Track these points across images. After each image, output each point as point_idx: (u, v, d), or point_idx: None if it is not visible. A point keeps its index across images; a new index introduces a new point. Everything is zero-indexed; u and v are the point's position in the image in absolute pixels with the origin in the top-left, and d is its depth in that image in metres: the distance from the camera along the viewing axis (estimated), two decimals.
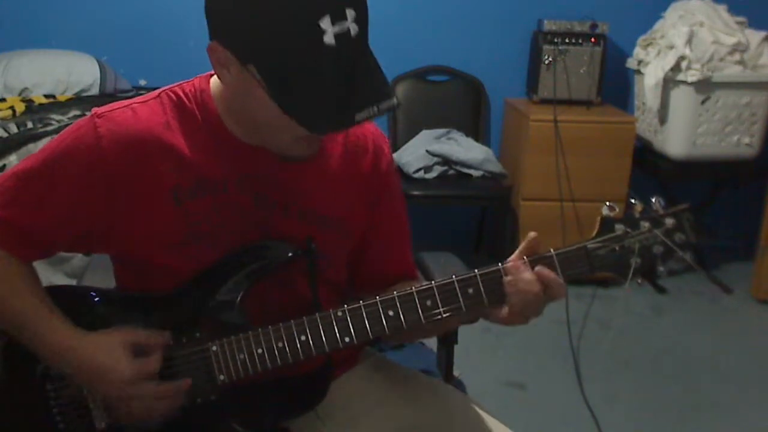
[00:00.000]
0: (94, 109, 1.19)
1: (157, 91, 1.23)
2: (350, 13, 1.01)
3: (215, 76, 1.19)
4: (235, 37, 1.05)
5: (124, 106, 1.20)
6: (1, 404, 1.26)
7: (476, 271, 1.17)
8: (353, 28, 1.02)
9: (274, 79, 1.05)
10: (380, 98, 1.05)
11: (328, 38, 1.00)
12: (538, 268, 1.16)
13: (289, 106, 1.05)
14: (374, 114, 1.05)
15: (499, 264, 1.18)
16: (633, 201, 1.20)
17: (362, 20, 1.04)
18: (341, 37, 1.01)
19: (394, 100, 1.06)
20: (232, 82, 1.11)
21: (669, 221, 1.19)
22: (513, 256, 1.18)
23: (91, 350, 1.17)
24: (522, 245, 1.18)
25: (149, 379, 1.17)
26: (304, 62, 1.02)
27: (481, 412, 1.32)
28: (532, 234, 1.18)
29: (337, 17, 1.00)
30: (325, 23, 1.00)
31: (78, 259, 2.51)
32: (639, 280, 1.20)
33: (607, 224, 1.19)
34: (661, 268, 1.19)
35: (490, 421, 1.31)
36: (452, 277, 1.17)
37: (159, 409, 1.20)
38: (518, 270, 1.16)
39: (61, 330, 1.18)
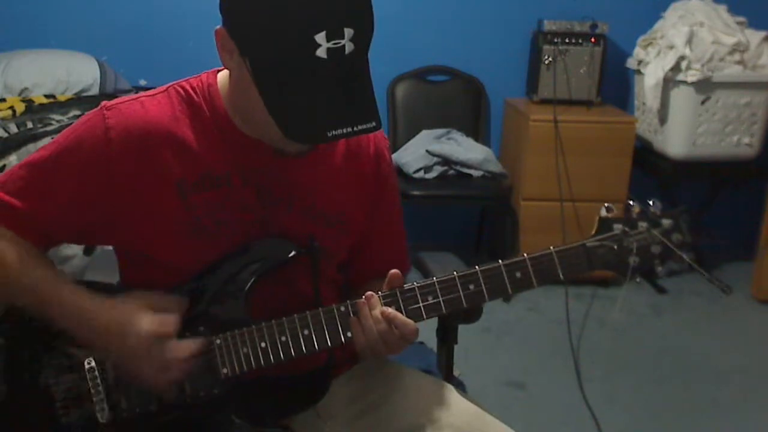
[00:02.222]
0: (103, 102, 1.22)
1: (165, 86, 1.25)
2: (348, 32, 1.04)
3: (222, 72, 1.22)
4: (238, 28, 1.08)
5: (133, 99, 1.22)
6: (5, 400, 1.26)
7: (477, 267, 1.19)
8: (348, 47, 1.04)
9: (264, 76, 1.07)
10: (358, 120, 1.07)
11: (321, 52, 1.03)
12: (385, 308, 1.18)
13: (272, 105, 1.08)
14: (348, 134, 1.07)
15: (500, 261, 1.19)
16: (631, 203, 1.22)
17: (361, 40, 1.06)
18: (334, 53, 1.04)
19: (373, 123, 1.08)
20: (233, 68, 1.14)
21: (666, 222, 1.22)
22: (383, 288, 1.20)
23: (107, 308, 1.18)
24: (386, 281, 1.20)
25: (167, 336, 1.17)
26: (293, 69, 1.05)
27: (481, 411, 1.32)
28: (393, 270, 1.20)
29: (334, 34, 1.03)
30: (320, 38, 1.03)
31: (78, 258, 2.51)
32: (638, 279, 1.22)
33: (605, 224, 1.22)
34: (660, 269, 1.21)
35: (490, 420, 1.31)
36: (453, 274, 1.19)
37: (173, 370, 1.18)
38: (367, 306, 1.18)
39: (77, 293, 1.20)
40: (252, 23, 1.06)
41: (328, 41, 1.03)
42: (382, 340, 1.17)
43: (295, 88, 1.06)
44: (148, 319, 1.17)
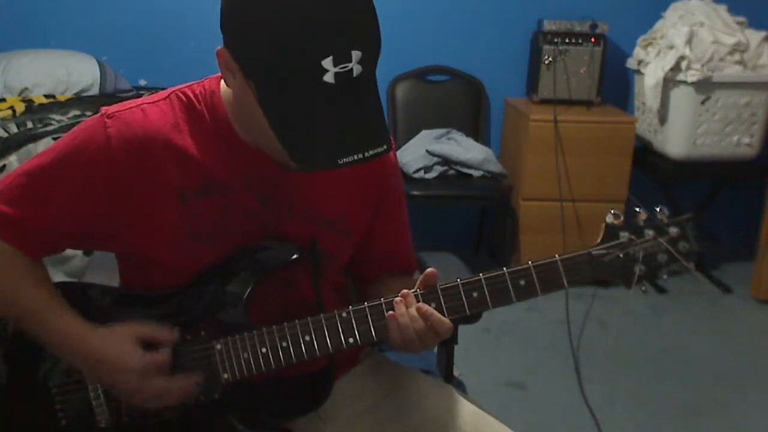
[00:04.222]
0: (104, 109, 1.20)
1: (166, 92, 1.23)
2: (356, 55, 1.01)
3: None
4: (242, 52, 1.06)
5: (134, 107, 1.20)
6: (4, 400, 1.26)
7: (481, 275, 1.18)
8: (356, 69, 1.02)
9: (271, 102, 1.06)
10: (369, 145, 1.05)
11: (328, 77, 1.01)
12: (421, 305, 1.16)
13: (280, 130, 1.06)
14: (359, 160, 1.04)
15: (504, 269, 1.18)
16: (637, 209, 1.20)
17: (369, 61, 1.03)
18: (342, 77, 1.01)
19: (384, 147, 1.06)
20: (236, 88, 1.12)
21: (673, 230, 1.19)
22: (408, 291, 1.19)
23: (100, 341, 1.18)
24: (419, 279, 1.19)
25: (158, 373, 1.18)
26: (301, 96, 1.02)
27: (481, 411, 1.33)
28: (430, 269, 1.18)
29: (341, 59, 1.00)
30: (327, 63, 1.00)
31: (78, 259, 2.51)
32: (643, 288, 1.20)
33: (611, 231, 1.19)
34: (664, 276, 1.20)
35: (490, 421, 1.31)
36: (457, 281, 1.18)
37: (167, 401, 1.20)
38: (403, 303, 1.17)
39: (71, 321, 1.19)
40: (256, 48, 1.03)
41: (335, 66, 1.00)
42: (418, 338, 1.16)
43: (303, 114, 1.03)
44: (139, 357, 1.17)
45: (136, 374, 1.17)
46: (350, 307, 1.19)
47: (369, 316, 1.18)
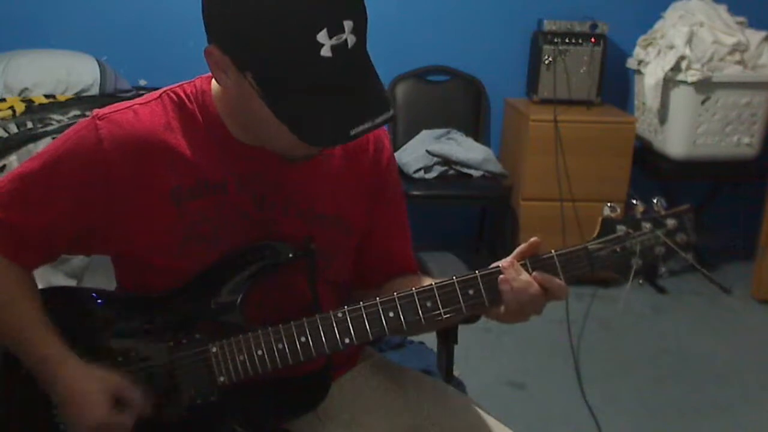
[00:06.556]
0: (96, 111, 1.19)
1: (158, 92, 1.22)
2: (348, 25, 1.01)
3: None
4: (233, 44, 1.05)
5: (126, 108, 1.20)
6: (2, 402, 1.26)
7: (477, 272, 1.17)
8: (351, 39, 1.01)
9: (271, 88, 1.04)
10: (376, 112, 1.05)
11: (325, 51, 1.00)
12: (536, 273, 1.15)
13: (285, 115, 1.05)
14: (370, 128, 1.04)
15: (500, 265, 1.17)
16: (634, 202, 1.19)
17: (360, 29, 1.03)
18: (338, 49, 1.00)
19: (391, 112, 1.06)
20: (231, 86, 1.10)
21: (670, 222, 1.19)
22: (510, 256, 1.17)
23: (72, 380, 1.17)
24: (522, 246, 1.17)
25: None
26: (301, 74, 1.01)
27: (481, 412, 1.33)
28: (534, 238, 1.17)
29: (335, 30, 1.00)
30: (322, 36, 0.99)
31: (78, 259, 2.51)
32: (640, 281, 1.20)
33: (608, 225, 1.19)
34: (662, 269, 1.19)
35: (490, 421, 1.31)
36: (452, 278, 1.17)
37: None
38: (513, 269, 1.15)
39: (52, 348, 1.18)
40: (249, 37, 1.01)
41: (330, 38, 0.99)
42: (531, 302, 1.14)
43: (305, 94, 1.02)
44: (102, 412, 1.15)
45: (91, 426, 1.16)
46: (345, 307, 1.19)
47: (365, 316, 1.18)
